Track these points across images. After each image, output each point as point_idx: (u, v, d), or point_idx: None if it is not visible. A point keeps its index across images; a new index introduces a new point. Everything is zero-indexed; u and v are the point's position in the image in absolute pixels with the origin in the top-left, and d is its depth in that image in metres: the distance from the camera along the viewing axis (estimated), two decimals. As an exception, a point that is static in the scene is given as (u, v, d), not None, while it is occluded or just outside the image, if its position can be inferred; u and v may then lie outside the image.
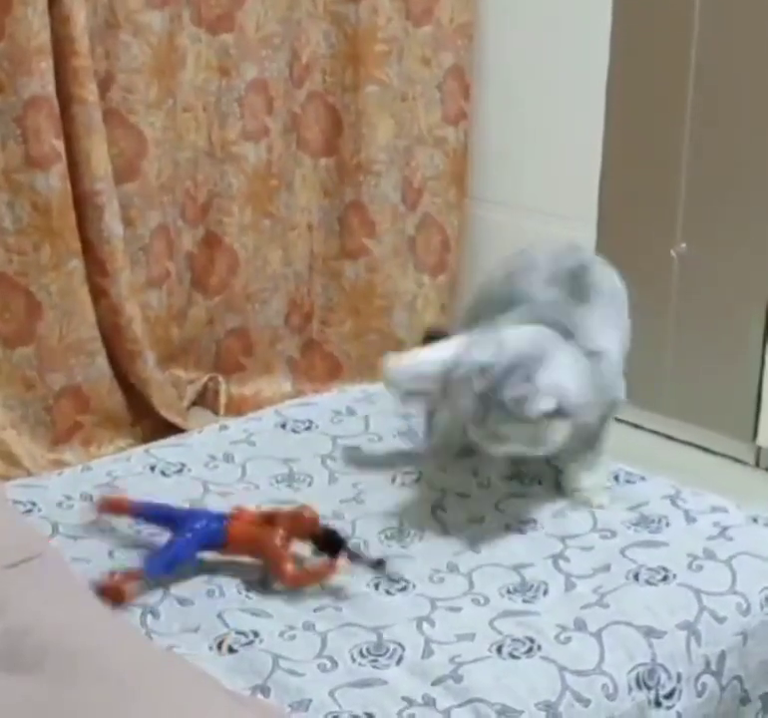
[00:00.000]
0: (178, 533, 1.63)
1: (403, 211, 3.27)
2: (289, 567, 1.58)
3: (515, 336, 1.71)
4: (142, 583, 1.58)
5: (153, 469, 1.91)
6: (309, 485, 1.88)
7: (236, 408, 3.11)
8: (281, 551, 1.59)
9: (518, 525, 1.76)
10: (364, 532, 1.74)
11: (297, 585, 1.58)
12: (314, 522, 1.64)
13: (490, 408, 1.64)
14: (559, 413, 1.63)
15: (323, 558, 1.60)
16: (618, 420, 3.18)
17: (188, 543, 1.62)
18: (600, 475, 1.85)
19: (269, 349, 3.26)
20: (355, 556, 1.61)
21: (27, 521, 1.71)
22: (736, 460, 2.97)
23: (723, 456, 2.98)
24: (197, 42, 3.02)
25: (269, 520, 1.63)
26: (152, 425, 2.96)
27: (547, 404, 1.62)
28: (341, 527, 1.74)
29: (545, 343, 1.70)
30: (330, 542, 1.61)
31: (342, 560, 1.58)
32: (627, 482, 1.89)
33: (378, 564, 1.62)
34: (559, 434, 1.67)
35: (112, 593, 1.56)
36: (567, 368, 1.68)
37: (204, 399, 3.22)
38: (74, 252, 2.79)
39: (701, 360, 3.00)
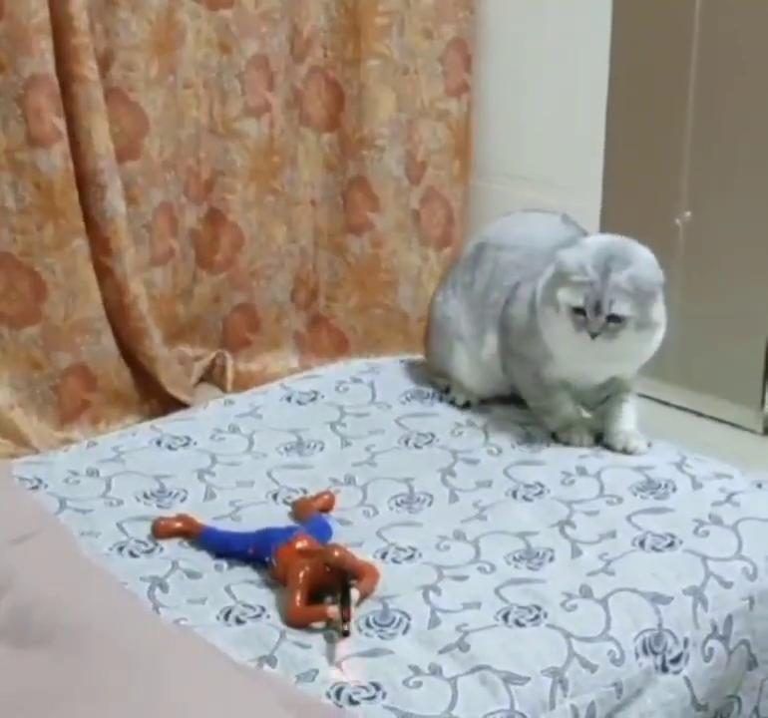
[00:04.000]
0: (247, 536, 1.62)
1: (406, 185, 3.26)
2: (295, 604, 1.49)
3: (593, 239, 1.92)
4: (195, 535, 1.63)
5: (158, 443, 1.91)
6: (321, 450, 1.89)
7: (244, 384, 3.11)
8: (296, 586, 1.50)
9: (525, 490, 1.76)
10: (374, 498, 1.76)
11: (293, 622, 1.48)
12: (340, 570, 1.51)
13: (603, 293, 1.79)
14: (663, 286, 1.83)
15: (321, 605, 1.50)
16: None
17: (244, 539, 1.61)
18: (634, 421, 1.95)
19: (275, 325, 3.26)
20: (346, 614, 1.47)
21: (33, 497, 1.71)
22: (744, 428, 2.96)
23: (731, 424, 2.98)
24: (197, 18, 3.01)
25: (309, 554, 1.54)
26: (159, 402, 2.96)
27: (656, 275, 1.82)
28: (352, 492, 1.75)
29: (618, 239, 1.88)
30: (342, 588, 1.50)
31: (333, 610, 1.46)
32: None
33: (344, 634, 1.46)
34: (662, 314, 1.85)
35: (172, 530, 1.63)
36: (646, 252, 1.87)
37: (212, 376, 3.23)
38: (77, 231, 2.79)
39: (708, 328, 2.99)
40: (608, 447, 1.90)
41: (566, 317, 1.82)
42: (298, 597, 1.49)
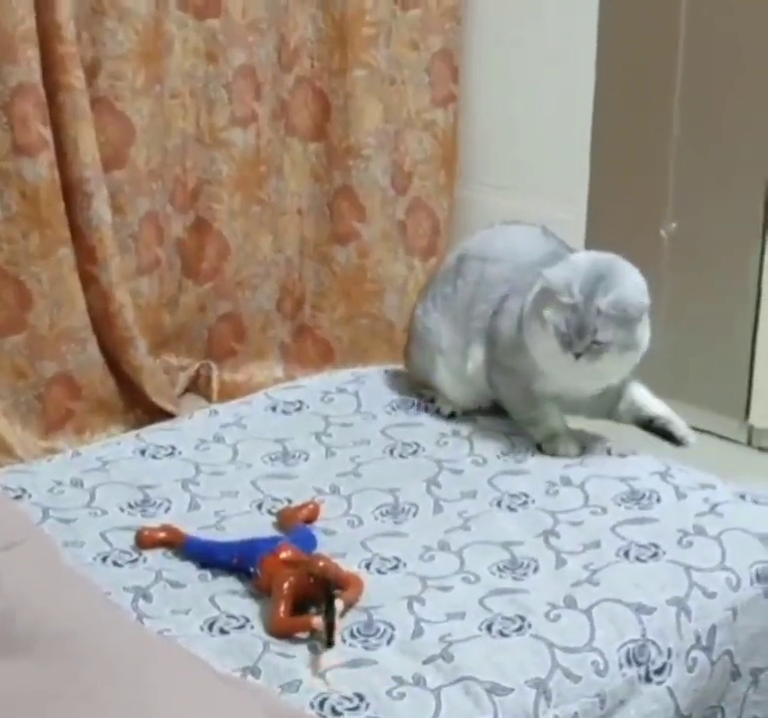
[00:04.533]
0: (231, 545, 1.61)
1: (392, 195, 3.26)
2: (279, 614, 1.48)
3: (582, 256, 1.90)
4: (179, 545, 1.62)
5: (143, 453, 1.91)
6: (306, 460, 1.89)
7: (229, 394, 3.10)
8: (281, 596, 1.49)
9: (510, 500, 1.77)
10: (359, 508, 1.75)
11: (277, 632, 1.47)
12: (324, 581, 1.49)
13: (586, 318, 1.79)
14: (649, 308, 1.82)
15: (305, 616, 1.48)
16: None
17: (228, 549, 1.60)
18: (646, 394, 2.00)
19: (261, 335, 3.26)
20: (330, 625, 1.46)
21: (17, 506, 1.71)
22: (728, 439, 2.98)
23: (715, 435, 2.98)
24: (184, 27, 3.01)
25: (294, 564, 1.53)
26: (144, 412, 2.96)
27: (642, 299, 1.81)
28: (337, 502, 1.75)
29: (607, 257, 1.88)
30: (326, 598, 1.48)
31: (317, 621, 1.45)
32: (620, 455, 1.90)
33: (328, 644, 1.45)
34: (645, 334, 1.84)
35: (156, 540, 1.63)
36: (635, 273, 1.86)
37: (197, 385, 3.22)
38: (63, 240, 2.79)
39: (693, 339, 3.01)
40: (640, 424, 1.95)
41: (551, 336, 1.82)
42: (282, 608, 1.48)
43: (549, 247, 1.96)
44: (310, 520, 1.71)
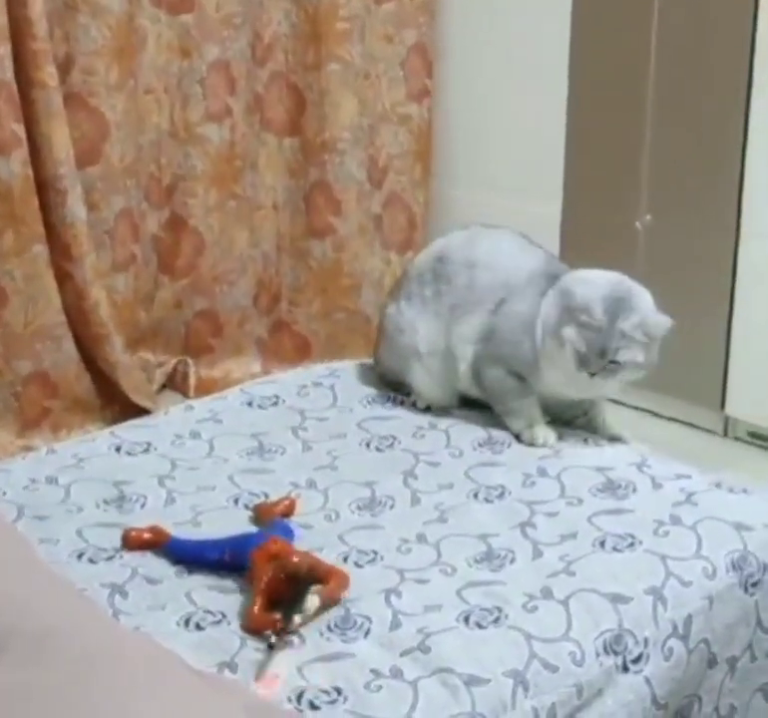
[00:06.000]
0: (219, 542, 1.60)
1: (368, 190, 3.26)
2: (253, 610, 1.46)
3: (599, 276, 1.88)
4: (167, 545, 1.60)
5: (118, 449, 1.90)
6: (282, 454, 1.89)
7: (206, 390, 3.09)
8: (259, 592, 1.47)
9: (486, 492, 1.77)
10: (336, 502, 1.75)
11: (248, 628, 1.46)
12: (295, 578, 1.48)
13: (610, 340, 1.80)
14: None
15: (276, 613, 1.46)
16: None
17: (218, 546, 1.58)
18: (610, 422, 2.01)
19: (238, 330, 3.26)
20: (288, 620, 1.44)
21: (-8, 504, 1.70)
22: (704, 429, 2.99)
23: (691, 426, 3.00)
24: (157, 23, 3.00)
25: (276, 557, 1.51)
26: (121, 409, 2.95)
27: (665, 322, 1.85)
28: (314, 497, 1.74)
29: (619, 277, 1.89)
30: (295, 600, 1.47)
31: (278, 618, 1.43)
32: (596, 446, 1.90)
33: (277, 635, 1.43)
34: (657, 351, 1.87)
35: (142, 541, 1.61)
36: (647, 294, 1.88)
37: (174, 382, 3.22)
38: (38, 237, 2.78)
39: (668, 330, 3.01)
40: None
41: (569, 354, 1.83)
42: (258, 604, 1.47)
43: (539, 256, 1.97)
44: (287, 514, 1.70)
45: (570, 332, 1.82)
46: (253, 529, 1.66)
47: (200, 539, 1.62)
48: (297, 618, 1.43)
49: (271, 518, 1.68)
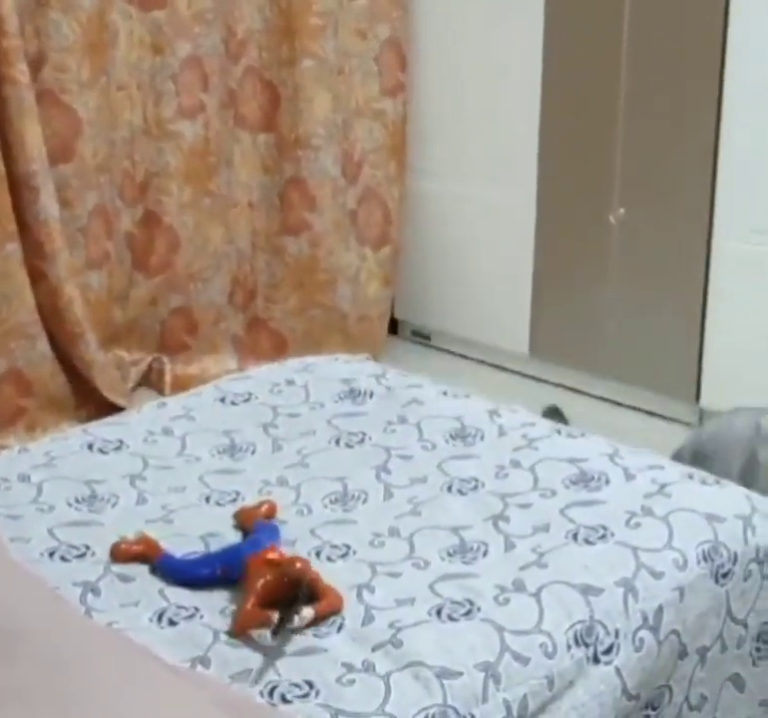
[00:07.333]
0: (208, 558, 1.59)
1: (343, 185, 3.26)
2: (247, 607, 1.46)
3: None
4: (158, 560, 1.59)
5: (90, 447, 1.90)
6: (252, 453, 1.89)
7: (182, 388, 3.08)
8: (253, 592, 1.47)
9: (460, 485, 1.77)
10: (308, 497, 1.75)
11: (240, 624, 1.46)
12: (297, 582, 1.47)
13: None
14: None
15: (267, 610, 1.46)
16: (559, 385, 3.23)
17: (209, 562, 1.57)
18: None
19: (213, 328, 3.25)
20: (288, 620, 1.44)
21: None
22: (680, 422, 3.00)
23: (667, 418, 3.01)
24: (129, 19, 2.99)
25: (275, 564, 1.50)
26: (96, 407, 2.94)
27: None
28: (286, 493, 1.74)
29: None
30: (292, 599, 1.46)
31: (274, 615, 1.42)
32: (569, 436, 1.91)
33: (274, 632, 1.43)
34: None
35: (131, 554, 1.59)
36: None
37: (149, 380, 3.21)
38: (10, 235, 2.76)
39: (642, 323, 3.03)
40: None
41: None
42: (252, 601, 1.46)
43: None
44: (270, 516, 1.69)
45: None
46: (235, 535, 1.65)
47: (190, 559, 1.60)
48: (297, 619, 1.42)
49: (254, 520, 1.66)
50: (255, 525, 1.65)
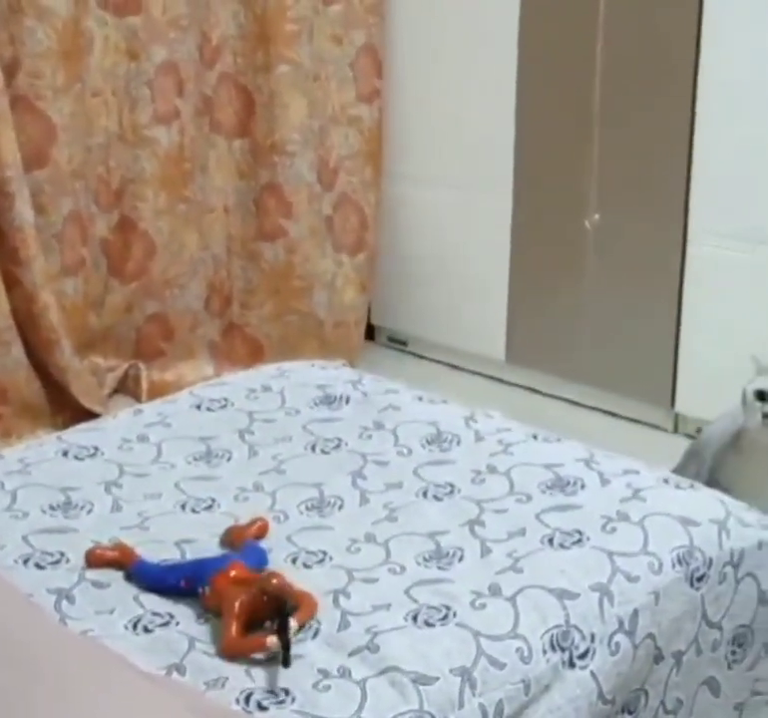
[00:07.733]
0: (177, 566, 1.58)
1: (319, 191, 3.26)
2: (231, 634, 1.43)
3: None
4: (129, 568, 1.58)
5: (65, 454, 1.89)
6: (228, 460, 1.88)
7: (159, 394, 3.06)
8: (232, 616, 1.44)
9: (435, 490, 1.77)
10: (284, 503, 1.75)
11: (230, 653, 1.43)
12: (279, 599, 1.45)
13: None
14: None
15: (259, 633, 1.44)
16: (536, 390, 3.24)
17: (175, 572, 1.56)
18: None
19: (190, 334, 3.24)
20: (287, 644, 1.41)
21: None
22: (655, 426, 3.01)
23: (642, 423, 3.02)
24: (104, 25, 2.99)
25: (245, 582, 1.48)
26: (72, 414, 2.92)
27: None
28: (261, 499, 1.74)
29: None
30: (281, 616, 1.43)
31: (272, 640, 1.40)
32: (545, 441, 1.92)
33: (284, 661, 1.41)
34: None
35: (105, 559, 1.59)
36: None
37: (126, 386, 3.20)
38: (-15, 242, 2.76)
39: (617, 328, 3.04)
40: None
41: None
42: (235, 628, 1.44)
43: None
44: (259, 536, 1.66)
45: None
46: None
47: (165, 565, 1.59)
48: (291, 638, 1.40)
49: (243, 541, 1.64)
50: (244, 546, 1.61)
